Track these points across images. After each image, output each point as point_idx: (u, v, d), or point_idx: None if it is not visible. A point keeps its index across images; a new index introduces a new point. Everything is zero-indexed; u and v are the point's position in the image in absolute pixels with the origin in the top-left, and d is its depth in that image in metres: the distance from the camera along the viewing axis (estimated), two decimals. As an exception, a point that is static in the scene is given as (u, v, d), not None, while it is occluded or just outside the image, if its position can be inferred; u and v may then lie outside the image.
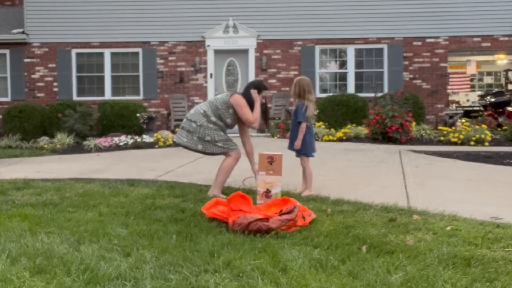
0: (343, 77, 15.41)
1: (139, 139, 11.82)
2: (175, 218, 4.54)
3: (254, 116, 5.85)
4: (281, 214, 4.15)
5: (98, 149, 11.29)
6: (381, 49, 15.15)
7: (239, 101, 5.84)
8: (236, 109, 5.83)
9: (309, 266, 3.24)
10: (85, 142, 11.66)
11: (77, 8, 15.14)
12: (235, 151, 5.89)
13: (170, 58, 15.24)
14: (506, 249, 3.60)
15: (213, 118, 5.82)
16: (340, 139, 11.74)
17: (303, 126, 5.87)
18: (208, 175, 6.98)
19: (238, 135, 6.25)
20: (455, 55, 16.82)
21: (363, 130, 12.06)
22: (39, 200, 5.40)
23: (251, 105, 5.86)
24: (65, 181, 6.73)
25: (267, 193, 5.01)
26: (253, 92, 5.93)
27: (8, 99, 15.34)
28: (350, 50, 15.27)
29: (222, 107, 5.85)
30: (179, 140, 5.94)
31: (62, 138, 11.96)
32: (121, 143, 11.65)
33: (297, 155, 6.01)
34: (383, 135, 11.27)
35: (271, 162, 5.07)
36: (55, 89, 15.34)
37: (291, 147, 6.03)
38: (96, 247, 3.65)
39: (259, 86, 6.09)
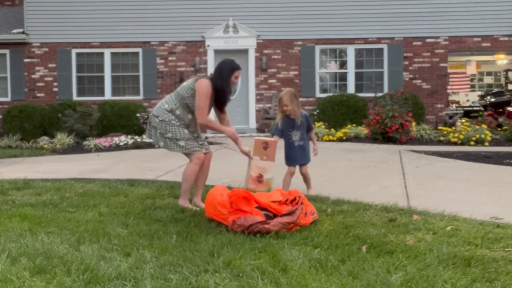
0: (343, 77, 15.41)
1: (139, 139, 11.82)
2: (175, 218, 4.53)
3: (203, 113, 5.01)
4: (282, 215, 4.14)
5: (98, 149, 11.29)
6: (381, 49, 15.15)
7: (203, 88, 5.01)
8: (196, 96, 5.03)
9: (309, 266, 3.24)
10: (85, 142, 11.66)
11: (77, 8, 15.15)
12: (196, 154, 5.14)
13: (170, 58, 15.24)
14: (506, 249, 3.60)
15: (178, 112, 5.09)
16: (340, 139, 11.75)
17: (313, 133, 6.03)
18: (208, 174, 6.96)
19: (242, 134, 5.85)
20: (455, 55, 16.82)
21: (363, 130, 12.07)
22: (39, 200, 5.40)
23: (221, 93, 5.09)
24: (65, 181, 6.73)
25: (259, 178, 5.06)
26: (227, 78, 5.06)
27: (8, 99, 15.35)
28: (350, 50, 15.27)
29: (188, 94, 5.10)
30: (147, 136, 5.33)
31: (62, 138, 11.96)
32: (121, 143, 11.65)
33: (303, 164, 5.85)
34: (383, 135, 11.27)
35: (266, 148, 5.10)
36: (55, 89, 15.35)
37: (308, 159, 5.85)
38: (96, 247, 3.65)
39: (233, 66, 5.14)
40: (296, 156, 5.84)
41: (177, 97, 5.17)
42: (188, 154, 5.19)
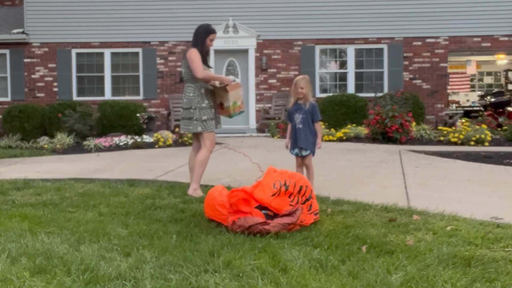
0: (343, 77, 15.42)
1: (139, 139, 11.82)
2: (175, 218, 4.53)
3: (200, 68, 5.64)
4: (282, 216, 4.14)
5: (98, 149, 11.29)
6: (381, 49, 15.16)
7: (191, 53, 5.68)
8: (189, 63, 5.67)
9: (309, 266, 3.24)
10: (85, 142, 11.66)
11: (77, 8, 15.16)
12: (211, 140, 5.77)
13: (170, 58, 15.24)
14: (506, 249, 3.60)
15: (203, 90, 5.69)
16: (340, 139, 11.74)
17: (320, 124, 6.06)
18: (208, 175, 6.97)
19: (242, 134, 6.18)
20: (455, 55, 16.83)
21: (363, 130, 12.06)
22: (39, 200, 5.40)
23: (201, 53, 5.76)
24: (65, 181, 6.73)
25: (221, 105, 5.77)
26: (202, 40, 5.86)
27: (8, 99, 15.35)
28: (350, 50, 15.27)
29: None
30: (185, 129, 5.82)
31: (62, 138, 11.96)
32: (121, 143, 11.65)
33: (304, 155, 5.94)
34: (383, 135, 11.27)
35: (220, 84, 5.68)
36: (55, 89, 15.35)
37: (306, 144, 5.91)
38: (96, 247, 3.65)
39: (208, 29, 5.98)
40: (294, 138, 5.97)
41: (192, 81, 5.70)
42: (205, 136, 5.70)
